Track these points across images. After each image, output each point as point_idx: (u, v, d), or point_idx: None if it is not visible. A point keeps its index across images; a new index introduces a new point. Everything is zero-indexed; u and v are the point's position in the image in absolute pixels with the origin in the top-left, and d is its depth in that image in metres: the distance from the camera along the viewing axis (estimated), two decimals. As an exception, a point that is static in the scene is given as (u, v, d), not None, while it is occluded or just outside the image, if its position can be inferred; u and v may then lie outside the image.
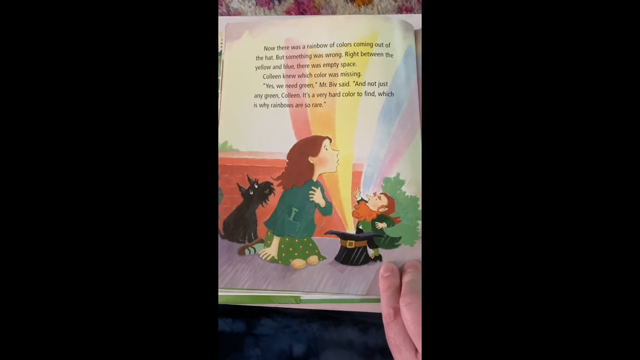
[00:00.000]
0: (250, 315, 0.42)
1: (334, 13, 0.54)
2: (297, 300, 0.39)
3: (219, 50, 0.43)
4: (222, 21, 0.43)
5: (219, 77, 0.42)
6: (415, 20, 0.42)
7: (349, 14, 0.53)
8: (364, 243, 0.39)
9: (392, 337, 0.34)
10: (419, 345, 0.31)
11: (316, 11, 0.55)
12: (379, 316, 0.36)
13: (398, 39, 0.40)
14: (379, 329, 0.42)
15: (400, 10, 0.55)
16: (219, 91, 0.41)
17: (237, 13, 0.57)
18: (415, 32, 0.42)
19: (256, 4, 0.56)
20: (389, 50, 0.40)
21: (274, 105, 0.40)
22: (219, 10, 0.56)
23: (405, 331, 0.33)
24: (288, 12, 0.56)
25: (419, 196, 0.38)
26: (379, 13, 0.53)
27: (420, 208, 0.38)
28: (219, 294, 0.38)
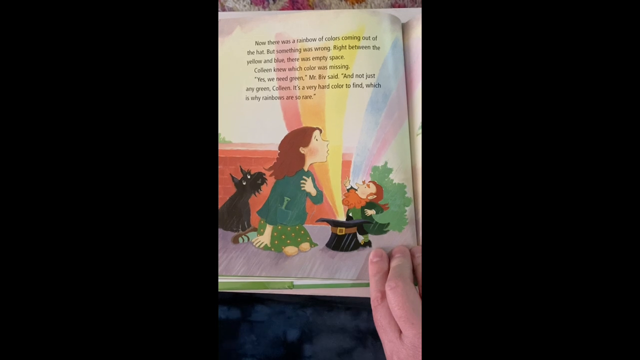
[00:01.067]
0: (245, 302, 0.43)
1: (327, 11, 0.55)
2: (291, 285, 0.40)
3: (215, 46, 0.44)
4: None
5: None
6: (403, 14, 0.43)
7: (343, 12, 0.54)
8: (353, 230, 0.40)
9: (379, 319, 0.35)
10: (402, 327, 0.32)
11: (310, 9, 0.57)
12: (369, 300, 0.37)
13: (385, 32, 0.41)
14: (369, 312, 0.43)
15: (393, 6, 0.56)
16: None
17: (232, 11, 0.58)
18: (403, 25, 0.43)
19: (251, 3, 0.58)
20: (376, 43, 0.41)
21: (265, 98, 0.42)
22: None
23: (390, 314, 0.34)
24: (283, 10, 0.57)
25: (406, 183, 0.40)
26: (372, 10, 0.54)
27: (407, 195, 0.40)
28: (215, 281, 0.40)
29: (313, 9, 0.56)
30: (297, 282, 0.40)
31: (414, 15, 0.42)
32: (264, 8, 0.58)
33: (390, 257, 0.38)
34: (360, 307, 0.43)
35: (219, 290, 0.40)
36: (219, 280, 0.40)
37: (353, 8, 0.54)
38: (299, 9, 0.56)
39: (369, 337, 0.42)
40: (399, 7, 0.56)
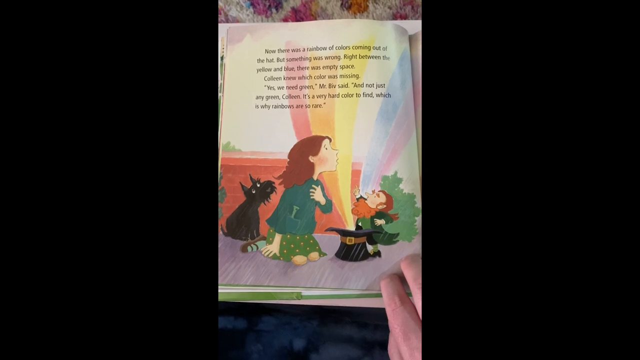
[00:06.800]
0: (252, 313, 0.42)
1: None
2: (299, 296, 0.40)
3: (221, 55, 0.44)
4: (224, 27, 0.44)
5: (221, 80, 0.43)
6: (409, 26, 0.44)
7: (345, 21, 0.55)
8: (363, 239, 0.40)
9: (401, 324, 0.32)
10: None
11: (313, 19, 0.57)
12: (377, 313, 0.37)
13: (394, 42, 0.42)
14: (377, 326, 0.43)
15: (395, 17, 0.57)
16: (222, 93, 0.42)
17: (236, 21, 0.58)
18: (410, 37, 0.43)
19: (254, 12, 0.58)
20: (386, 54, 0.41)
21: (275, 107, 0.41)
22: (218, 19, 0.57)
23: (416, 315, 0.33)
24: (285, 20, 0.57)
25: (416, 193, 0.40)
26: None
27: (417, 205, 0.40)
28: (222, 291, 0.39)
29: (315, 18, 0.57)
30: (305, 292, 0.40)
31: (420, 28, 0.43)
32: (266, 18, 0.58)
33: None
34: (366, 321, 0.42)
35: (227, 300, 0.40)
36: (226, 291, 0.39)
37: (355, 17, 0.55)
38: (301, 18, 0.57)
39: (377, 347, 0.42)
40: (401, 17, 0.57)
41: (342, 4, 0.57)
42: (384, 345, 0.39)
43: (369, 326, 0.42)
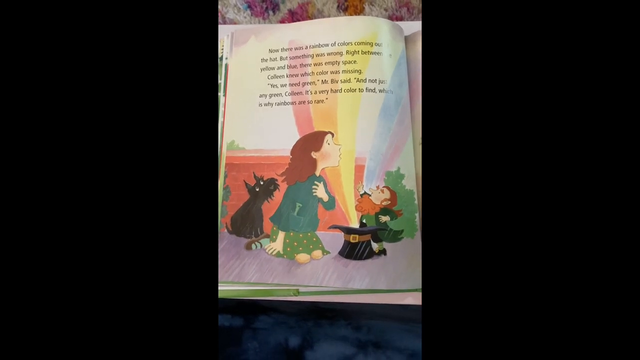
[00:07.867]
0: (249, 312, 0.42)
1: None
2: (296, 293, 0.39)
3: (222, 55, 0.44)
4: (227, 29, 0.44)
5: (222, 80, 0.43)
6: (405, 27, 0.44)
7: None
8: (367, 237, 0.39)
9: None
10: None
11: (309, 20, 0.57)
12: (372, 311, 0.36)
13: (394, 41, 0.42)
14: (371, 327, 0.43)
15: (390, 19, 0.57)
16: (222, 93, 0.42)
17: (233, 23, 0.58)
18: (406, 37, 0.43)
19: (251, 15, 0.58)
20: (388, 50, 0.41)
21: (278, 104, 0.41)
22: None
23: None
24: (282, 22, 0.58)
25: (415, 190, 0.39)
26: (371, 22, 0.55)
27: (416, 202, 0.39)
28: (224, 288, 0.39)
29: (312, 19, 0.57)
30: (302, 289, 0.39)
31: (417, 29, 0.43)
32: (264, 19, 0.58)
33: None
34: (362, 323, 0.42)
35: (224, 297, 0.39)
36: (225, 288, 0.39)
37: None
38: (298, 20, 0.57)
39: (370, 346, 0.42)
40: (397, 19, 0.57)
41: (338, 6, 0.58)
42: (376, 344, 0.39)
43: (363, 327, 0.42)
